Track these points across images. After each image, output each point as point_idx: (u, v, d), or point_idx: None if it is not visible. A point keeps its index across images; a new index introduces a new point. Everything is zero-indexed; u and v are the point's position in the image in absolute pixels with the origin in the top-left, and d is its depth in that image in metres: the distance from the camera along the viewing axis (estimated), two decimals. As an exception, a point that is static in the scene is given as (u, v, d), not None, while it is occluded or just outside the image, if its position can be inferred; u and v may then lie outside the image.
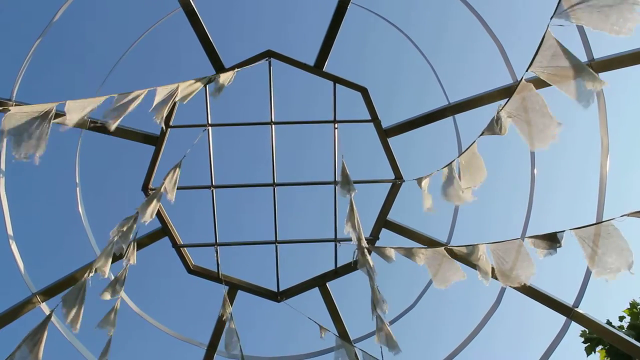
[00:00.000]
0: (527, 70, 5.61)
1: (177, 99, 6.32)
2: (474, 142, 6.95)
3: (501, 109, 6.20)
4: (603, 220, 6.18)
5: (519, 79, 5.89)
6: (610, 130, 8.24)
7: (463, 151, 7.20)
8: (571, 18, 5.05)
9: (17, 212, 9.14)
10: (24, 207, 10.70)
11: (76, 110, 5.42)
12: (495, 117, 6.26)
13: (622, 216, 5.93)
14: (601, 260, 6.11)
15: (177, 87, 6.35)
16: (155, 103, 6.09)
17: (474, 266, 7.44)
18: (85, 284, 7.13)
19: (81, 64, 13.01)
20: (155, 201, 7.35)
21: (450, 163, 7.43)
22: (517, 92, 5.98)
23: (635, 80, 10.94)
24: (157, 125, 6.31)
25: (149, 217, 7.35)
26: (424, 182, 7.90)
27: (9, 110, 5.12)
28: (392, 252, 7.90)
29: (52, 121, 5.26)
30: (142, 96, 5.93)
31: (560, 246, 6.47)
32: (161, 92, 6.15)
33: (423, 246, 8.40)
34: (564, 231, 6.43)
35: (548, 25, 5.26)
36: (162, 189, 7.46)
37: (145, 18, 9.67)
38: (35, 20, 10.39)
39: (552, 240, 6.50)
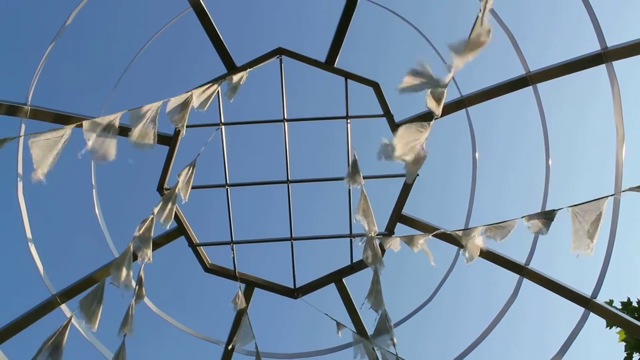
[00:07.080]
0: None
1: (195, 107, 6.38)
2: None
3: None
4: (599, 197, 6.03)
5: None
6: (625, 119, 8.17)
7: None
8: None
9: (35, 215, 9.25)
10: (41, 209, 10.82)
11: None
12: None
13: (623, 191, 5.83)
14: (585, 237, 5.99)
15: (191, 95, 6.42)
16: (172, 108, 6.22)
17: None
18: (103, 285, 7.08)
19: (95, 66, 13.12)
20: (170, 204, 7.32)
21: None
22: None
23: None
24: (172, 126, 6.37)
25: (167, 221, 7.31)
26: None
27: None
28: (396, 242, 7.68)
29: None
30: (157, 108, 6.14)
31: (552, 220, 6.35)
32: (176, 101, 6.26)
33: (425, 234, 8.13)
34: (561, 208, 6.33)
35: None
36: (176, 191, 7.43)
37: (156, 19, 9.73)
38: (48, 24, 10.49)
39: (548, 217, 6.44)
